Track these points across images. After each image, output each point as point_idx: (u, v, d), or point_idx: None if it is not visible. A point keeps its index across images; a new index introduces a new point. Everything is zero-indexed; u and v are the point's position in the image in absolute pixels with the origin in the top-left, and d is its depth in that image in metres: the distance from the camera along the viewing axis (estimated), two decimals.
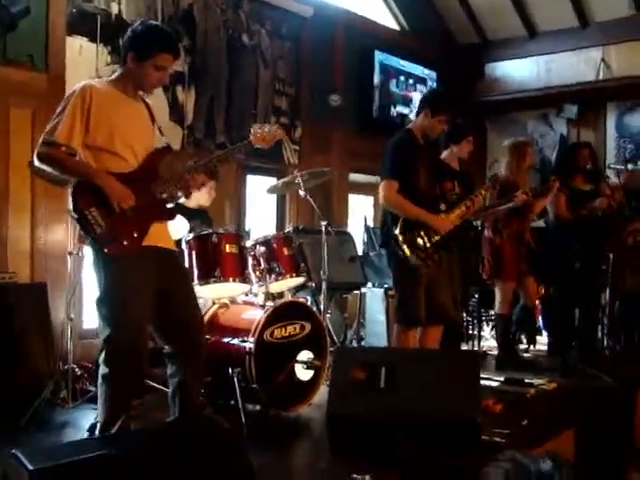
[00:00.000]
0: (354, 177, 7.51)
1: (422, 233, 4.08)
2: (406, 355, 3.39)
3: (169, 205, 3.12)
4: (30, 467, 1.70)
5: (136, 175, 2.97)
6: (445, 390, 3.01)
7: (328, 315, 5.25)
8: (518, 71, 8.47)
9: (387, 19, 8.01)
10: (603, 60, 7.75)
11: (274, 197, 6.70)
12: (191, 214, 4.49)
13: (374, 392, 3.11)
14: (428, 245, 4.09)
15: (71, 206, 2.86)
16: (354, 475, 2.96)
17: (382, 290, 5.99)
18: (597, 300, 5.71)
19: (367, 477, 2.95)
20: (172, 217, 3.13)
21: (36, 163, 2.89)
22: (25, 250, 4.67)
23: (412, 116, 4.96)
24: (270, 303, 4.04)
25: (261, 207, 6.64)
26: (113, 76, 3.13)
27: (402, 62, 7.81)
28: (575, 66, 7.95)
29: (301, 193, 4.53)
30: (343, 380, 3.17)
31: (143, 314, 2.91)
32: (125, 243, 2.86)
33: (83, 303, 4.90)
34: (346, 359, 3.25)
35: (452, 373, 3.07)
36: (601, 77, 7.74)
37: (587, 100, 8.02)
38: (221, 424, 2.12)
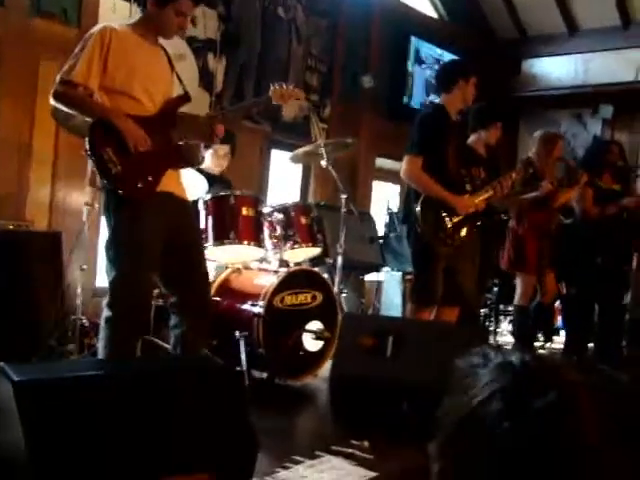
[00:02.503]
0: (381, 162, 7.44)
1: (443, 212, 4.00)
2: (415, 326, 3.33)
3: (185, 153, 3.10)
4: (15, 379, 1.66)
5: (153, 120, 2.95)
6: (452, 362, 2.94)
7: (344, 295, 5.18)
8: (555, 68, 8.33)
9: (425, 6, 7.91)
10: None
11: (298, 175, 6.65)
12: (212, 180, 4.46)
13: (380, 359, 3.06)
14: (449, 225, 4.01)
15: (87, 145, 2.84)
16: (352, 441, 2.92)
17: (400, 274, 5.93)
18: (618, 299, 5.59)
19: (365, 443, 2.91)
20: (188, 164, 3.11)
21: (52, 102, 2.88)
22: (44, 202, 4.67)
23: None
24: (283, 269, 3.99)
25: (285, 183, 6.59)
26: (134, 20, 3.11)
27: (438, 50, 7.71)
28: (614, 66, 7.78)
29: (323, 163, 4.45)
30: (350, 345, 3.12)
31: (149, 260, 2.89)
32: (139, 185, 2.83)
33: (97, 261, 4.88)
34: (354, 325, 3.21)
35: (460, 345, 3.00)
36: None
37: (624, 101, 7.85)
38: (220, 363, 2.07)
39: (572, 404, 0.81)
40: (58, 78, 2.86)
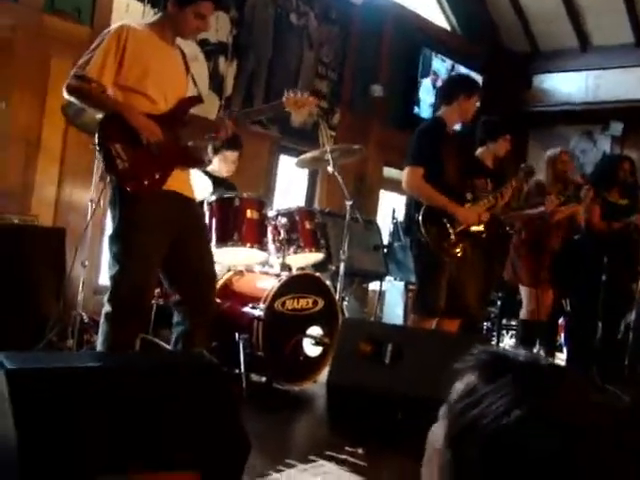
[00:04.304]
0: (388, 172, 7.43)
1: (445, 221, 3.99)
2: (414, 334, 3.31)
3: (194, 153, 3.11)
4: (8, 366, 1.66)
5: (164, 118, 2.96)
6: (451, 372, 2.92)
7: (345, 303, 5.16)
8: (566, 84, 8.32)
9: (438, 17, 7.93)
10: None
11: (305, 181, 6.65)
12: (217, 182, 4.46)
13: (378, 366, 3.04)
14: (452, 234, 4.00)
15: (96, 139, 2.85)
16: (347, 447, 2.90)
17: (403, 284, 5.91)
18: (621, 317, 5.55)
19: (359, 450, 2.89)
20: (195, 164, 3.11)
21: (65, 95, 2.89)
22: (50, 198, 4.69)
23: None
24: (285, 273, 3.99)
25: (292, 189, 6.59)
26: (152, 20, 3.12)
27: (449, 62, 7.72)
28: (625, 83, 7.77)
29: (329, 169, 4.45)
30: (348, 351, 3.11)
31: (152, 257, 2.88)
32: (146, 182, 2.84)
33: (101, 258, 4.89)
34: (353, 331, 3.19)
35: (460, 356, 2.98)
36: None
37: (634, 118, 7.83)
38: (212, 360, 2.06)
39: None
40: (72, 72, 2.88)
